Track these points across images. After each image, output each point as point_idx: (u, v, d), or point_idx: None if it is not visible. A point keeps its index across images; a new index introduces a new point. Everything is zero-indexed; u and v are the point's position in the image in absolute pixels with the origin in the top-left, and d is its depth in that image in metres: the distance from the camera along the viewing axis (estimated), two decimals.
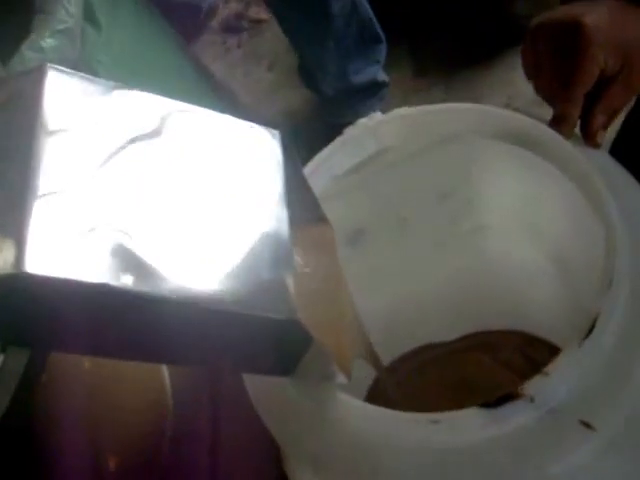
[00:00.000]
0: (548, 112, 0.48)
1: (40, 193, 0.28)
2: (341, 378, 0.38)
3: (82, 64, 0.62)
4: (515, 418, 0.35)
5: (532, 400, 0.35)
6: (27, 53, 0.53)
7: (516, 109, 0.48)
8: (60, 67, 0.31)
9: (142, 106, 0.33)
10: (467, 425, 0.35)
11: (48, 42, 0.55)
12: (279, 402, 0.41)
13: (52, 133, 0.29)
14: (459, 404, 0.36)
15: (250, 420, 0.42)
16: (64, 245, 0.27)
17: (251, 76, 1.41)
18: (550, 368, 0.35)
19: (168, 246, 0.30)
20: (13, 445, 0.45)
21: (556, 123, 0.46)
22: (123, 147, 0.31)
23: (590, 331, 0.36)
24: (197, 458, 0.56)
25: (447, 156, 0.53)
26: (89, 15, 0.66)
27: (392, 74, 1.22)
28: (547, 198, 0.53)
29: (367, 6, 1.11)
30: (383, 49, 1.18)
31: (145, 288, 0.28)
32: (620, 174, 0.44)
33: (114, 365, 0.34)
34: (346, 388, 0.38)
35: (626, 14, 0.45)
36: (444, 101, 0.51)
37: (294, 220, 0.35)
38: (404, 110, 0.51)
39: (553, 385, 0.35)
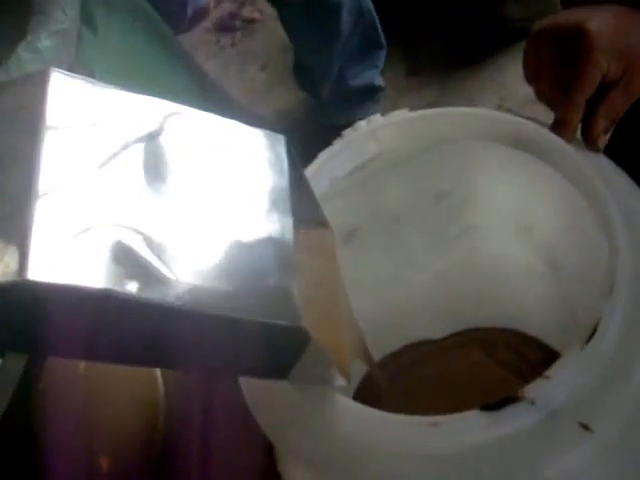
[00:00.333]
0: (539, 112, 0.49)
1: (42, 198, 0.27)
2: (340, 381, 0.38)
3: (78, 66, 0.62)
4: (516, 421, 0.35)
5: (533, 403, 0.35)
6: (24, 54, 0.53)
7: (508, 109, 0.48)
8: (62, 70, 0.31)
9: (145, 109, 0.33)
10: (467, 428, 0.36)
11: (45, 43, 0.54)
12: (274, 403, 0.41)
13: (55, 137, 0.29)
14: (449, 400, 0.36)
15: (244, 420, 0.42)
16: (67, 251, 0.27)
17: (245, 75, 1.41)
18: (551, 372, 0.36)
19: (172, 251, 0.30)
20: (11, 447, 0.45)
21: (557, 127, 0.46)
22: (128, 149, 0.31)
23: (591, 336, 0.36)
24: (190, 459, 0.56)
25: (444, 157, 0.54)
26: (86, 17, 0.65)
27: (386, 73, 1.22)
28: (542, 200, 0.54)
29: (373, 12, 1.11)
30: (383, 55, 1.18)
31: (150, 294, 0.28)
32: (620, 178, 0.44)
33: (108, 367, 0.34)
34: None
35: (629, 19, 0.45)
36: (437, 101, 0.51)
37: (295, 223, 0.35)
38: (403, 113, 0.51)
39: (554, 388, 0.35)
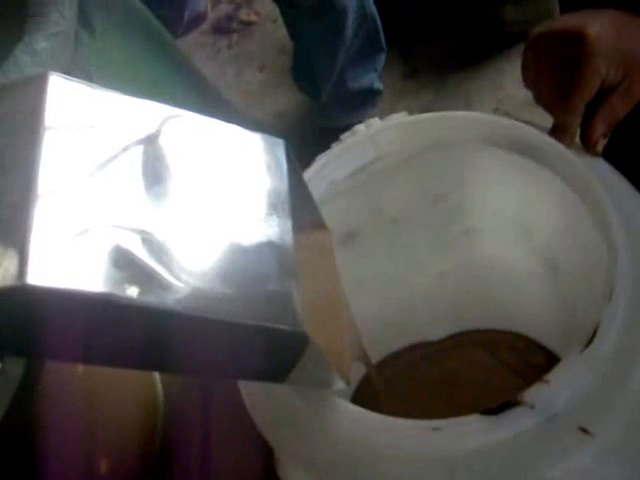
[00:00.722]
0: (537, 115, 0.49)
1: (41, 201, 0.27)
2: (340, 384, 0.38)
3: (76, 68, 0.62)
4: (516, 425, 0.35)
5: (532, 407, 0.35)
6: (21, 56, 0.53)
7: (506, 112, 0.48)
8: (60, 74, 0.31)
9: (144, 112, 0.33)
10: (468, 432, 0.36)
11: (42, 45, 0.54)
12: (274, 406, 0.41)
13: (53, 140, 0.29)
14: (447, 400, 0.36)
15: (243, 422, 0.42)
16: (67, 255, 0.27)
17: (242, 77, 1.41)
18: (550, 376, 0.36)
19: (172, 255, 0.30)
20: (11, 448, 0.45)
21: (556, 132, 0.46)
22: (127, 152, 0.31)
23: (591, 340, 0.36)
24: (189, 461, 0.56)
25: (442, 160, 0.54)
26: (83, 20, 0.65)
27: (383, 76, 1.22)
28: (541, 203, 0.54)
29: (376, 17, 1.11)
30: (382, 58, 1.18)
31: (150, 299, 0.28)
32: (619, 182, 0.44)
33: (107, 369, 0.34)
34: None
35: (629, 24, 0.45)
36: (434, 103, 0.52)
37: (295, 226, 0.35)
38: (402, 117, 0.51)
39: (553, 393, 0.35)
